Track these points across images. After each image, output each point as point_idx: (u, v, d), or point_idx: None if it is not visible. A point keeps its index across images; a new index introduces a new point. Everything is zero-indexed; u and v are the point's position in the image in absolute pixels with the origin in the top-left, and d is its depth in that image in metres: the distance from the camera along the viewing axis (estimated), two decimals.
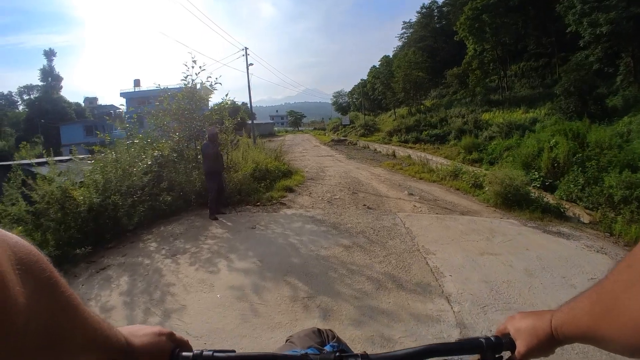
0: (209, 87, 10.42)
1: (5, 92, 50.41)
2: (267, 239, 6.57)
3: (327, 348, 1.14)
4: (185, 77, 10.03)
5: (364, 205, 9.51)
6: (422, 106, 44.54)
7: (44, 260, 0.48)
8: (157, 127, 9.93)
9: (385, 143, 31.59)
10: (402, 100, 46.01)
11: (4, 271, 0.38)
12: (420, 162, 20.99)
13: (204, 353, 0.76)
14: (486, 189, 11.82)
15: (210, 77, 10.29)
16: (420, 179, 15.78)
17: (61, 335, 0.48)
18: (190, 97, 10.03)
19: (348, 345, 1.29)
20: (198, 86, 10.38)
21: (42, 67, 48.08)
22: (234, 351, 0.77)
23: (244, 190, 10.07)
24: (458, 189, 13.10)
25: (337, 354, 0.79)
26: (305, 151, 31.50)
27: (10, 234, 0.44)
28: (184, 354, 0.76)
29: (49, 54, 49.26)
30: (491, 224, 8.10)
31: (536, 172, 13.98)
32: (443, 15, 58.99)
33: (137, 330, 0.73)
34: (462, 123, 31.19)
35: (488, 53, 41.40)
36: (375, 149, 30.29)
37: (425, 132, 32.23)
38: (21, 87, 51.44)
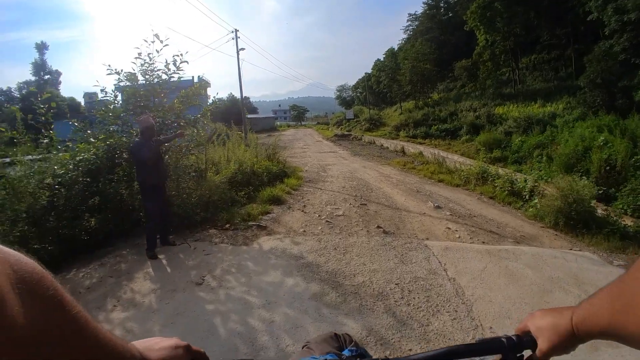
0: (173, 65, 7.46)
1: (5, 87, 47.29)
2: (209, 315, 3.66)
3: (346, 353, 1.06)
4: (139, 55, 7.05)
5: (378, 227, 6.61)
6: (429, 100, 41.48)
7: (48, 278, 0.45)
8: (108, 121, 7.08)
9: (393, 138, 28.70)
10: (409, 93, 42.89)
11: (1, 291, 0.37)
12: (434, 160, 18.04)
13: None
14: (535, 201, 8.91)
15: (178, 55, 6.63)
16: (439, 181, 12.86)
17: (73, 353, 0.46)
18: (148, 81, 7.17)
19: (366, 350, 1.17)
20: (160, 66, 7.40)
21: (33, 60, 45.19)
22: (252, 359, 1.19)
23: (215, 203, 7.23)
24: (492, 198, 10.19)
25: (357, 358, 0.81)
26: (307, 147, 28.56)
27: (11, 251, 0.42)
28: None
29: (41, 47, 45.69)
30: (568, 264, 5.21)
31: (584, 178, 11.03)
32: (450, 6, 55.81)
33: (154, 344, 0.69)
34: (474, 117, 28.35)
35: (499, 44, 38.26)
36: (382, 145, 27.34)
37: (435, 127, 29.26)
38: (20, 83, 48.49)
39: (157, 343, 0.69)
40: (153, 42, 7.02)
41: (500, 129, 24.14)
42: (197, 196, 7.04)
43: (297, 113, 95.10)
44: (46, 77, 43.71)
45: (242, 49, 19.04)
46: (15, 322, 0.37)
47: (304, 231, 6.27)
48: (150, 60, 7.12)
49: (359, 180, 12.44)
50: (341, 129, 42.90)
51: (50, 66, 45.37)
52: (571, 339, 0.68)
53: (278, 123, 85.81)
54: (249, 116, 60.37)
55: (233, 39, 18.81)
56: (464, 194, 10.65)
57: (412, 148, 22.77)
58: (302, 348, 1.23)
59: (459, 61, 44.76)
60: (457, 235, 6.44)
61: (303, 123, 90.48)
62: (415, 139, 27.52)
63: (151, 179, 5.14)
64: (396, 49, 56.96)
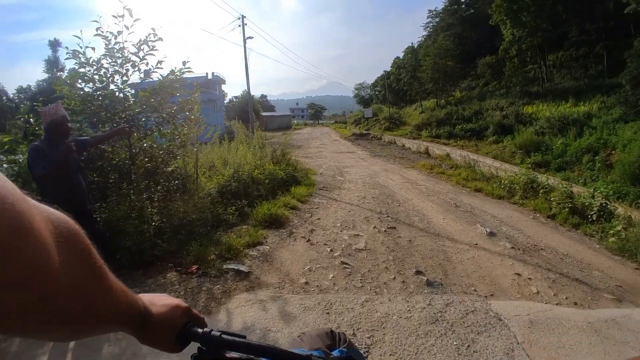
0: (146, 45, 5.39)
1: (25, 85, 46.50)
2: None
3: (335, 353, 1.04)
4: (101, 32, 4.98)
5: (418, 272, 4.41)
6: (451, 98, 38.84)
7: (80, 234, 0.50)
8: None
9: (414, 138, 26.29)
10: (430, 91, 40.29)
11: (46, 242, 0.41)
12: (464, 163, 15.64)
13: (212, 333, 0.72)
14: (616, 227, 6.57)
15: (152, 33, 5.29)
16: (477, 190, 10.51)
17: (92, 298, 0.50)
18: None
19: (360, 352, 1.21)
20: (126, 45, 5.30)
21: (46, 57, 43.93)
22: (244, 337, 0.73)
23: (190, 225, 5.15)
24: (551, 217, 7.85)
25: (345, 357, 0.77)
26: (323, 146, 26.39)
27: (52, 209, 0.46)
28: (194, 329, 0.73)
29: (54, 44, 44.82)
30: None
31: None
32: (472, 1, 52.75)
33: (158, 299, 0.72)
34: (501, 117, 25.88)
35: (526, 40, 35.34)
36: (404, 145, 24.95)
37: (459, 127, 26.74)
38: (39, 81, 47.62)
39: (161, 299, 0.72)
40: (122, 16, 4.98)
41: (531, 130, 21.63)
42: (165, 215, 4.97)
43: (315, 111, 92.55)
44: (59, 73, 42.47)
45: (250, 37, 16.96)
46: (59, 271, 0.42)
47: (306, 282, 4.08)
48: (115, 39, 5.06)
49: (382, 188, 10.24)
50: (359, 127, 40.51)
51: (64, 63, 44.04)
52: None
53: (295, 121, 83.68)
54: (264, 114, 58.46)
55: (239, 26, 16.64)
56: (514, 211, 8.31)
57: (437, 149, 20.36)
58: (297, 337, 1.21)
59: (482, 58, 42.05)
60: (535, 289, 4.19)
61: (320, 122, 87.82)
62: (439, 139, 25.17)
63: (65, 203, 3.03)
64: (416, 46, 54.31)
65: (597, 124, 18.79)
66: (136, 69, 5.36)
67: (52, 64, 44.30)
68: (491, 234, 6.19)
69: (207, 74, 41.81)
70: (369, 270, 4.45)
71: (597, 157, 12.77)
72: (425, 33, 58.73)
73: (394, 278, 4.25)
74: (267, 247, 5.05)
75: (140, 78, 5.68)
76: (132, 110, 5.35)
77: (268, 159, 10.12)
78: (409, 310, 3.49)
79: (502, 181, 10.95)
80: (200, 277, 4.04)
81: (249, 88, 13.33)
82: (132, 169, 5.33)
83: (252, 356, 0.74)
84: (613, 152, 12.82)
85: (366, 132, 34.93)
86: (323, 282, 4.12)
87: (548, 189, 9.48)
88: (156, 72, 5.61)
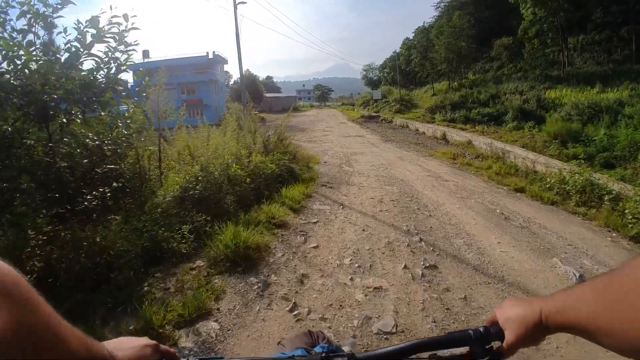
0: None
1: None
2: None
3: (317, 349, 1.03)
4: None
5: None
6: (465, 80, 35.95)
7: (22, 281, 0.44)
8: None
9: (428, 122, 23.79)
10: (443, 72, 37.28)
11: None
12: (491, 153, 13.17)
13: None
14: None
15: None
16: (518, 190, 8.09)
17: (45, 353, 0.44)
18: None
19: (340, 347, 1.13)
20: None
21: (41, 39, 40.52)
22: (222, 358, 0.73)
23: (103, 268, 2.92)
24: (635, 240, 5.50)
25: (324, 354, 0.73)
26: (329, 129, 23.92)
27: None
28: None
29: (50, 26, 41.41)
30: None
31: None
32: None
33: (123, 343, 0.68)
34: (521, 101, 23.37)
35: (547, 20, 32.15)
36: (417, 129, 22.36)
37: (475, 111, 24.42)
38: None
39: (126, 342, 0.68)
40: None
41: (556, 116, 19.20)
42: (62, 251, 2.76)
43: (321, 93, 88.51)
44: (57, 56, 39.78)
45: (243, 1, 14.18)
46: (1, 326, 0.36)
47: None
48: None
49: (401, 184, 7.99)
50: (368, 110, 37.80)
51: (59, 46, 41.04)
52: (539, 331, 0.64)
53: (301, 103, 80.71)
54: (268, 95, 55.28)
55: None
56: (583, 228, 5.92)
57: (456, 135, 17.86)
58: (277, 344, 1.21)
59: (497, 39, 38.81)
60: None
61: (327, 104, 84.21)
62: (454, 123, 22.80)
63: None
64: (426, 26, 51.07)
65: (631, 112, 16.37)
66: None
67: (47, 47, 41.32)
68: (581, 278, 3.89)
69: (207, 53, 39.06)
70: None
71: None
72: (436, 13, 54.98)
73: None
74: (213, 326, 2.73)
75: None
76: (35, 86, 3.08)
77: (258, 147, 7.77)
78: None
79: (548, 180, 8.58)
80: None
81: (240, 60, 10.93)
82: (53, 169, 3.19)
83: None
84: None
85: (375, 114, 32.29)
86: None
87: (614, 195, 7.12)
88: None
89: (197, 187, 4.88)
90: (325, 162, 11.48)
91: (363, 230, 4.98)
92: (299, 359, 0.74)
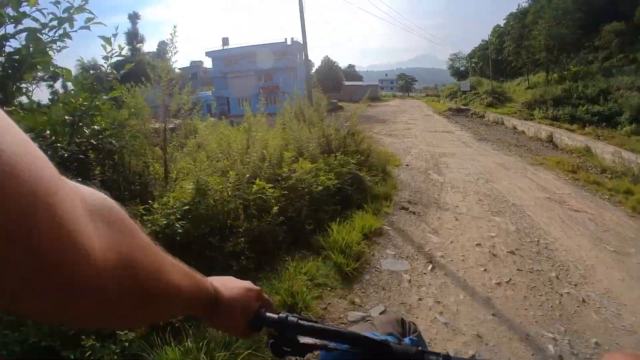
0: None
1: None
2: None
3: (406, 340, 0.94)
4: None
5: None
6: (566, 72, 30.41)
7: (121, 211, 0.42)
8: None
9: (526, 119, 19.99)
10: (541, 62, 31.93)
11: (75, 217, 0.33)
12: (624, 168, 9.56)
13: (289, 318, 0.67)
14: None
15: None
16: None
17: (145, 282, 0.42)
18: None
19: (427, 345, 1.07)
20: None
21: (126, 30, 41.09)
22: (317, 322, 0.69)
23: None
24: None
25: (419, 348, 0.68)
26: (413, 122, 21.03)
27: (82, 185, 0.39)
28: (269, 314, 0.68)
29: (133, 18, 42.29)
30: None
31: None
32: None
33: (228, 282, 0.67)
34: None
35: None
36: (515, 127, 18.57)
37: (582, 108, 20.15)
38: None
39: (232, 281, 0.68)
40: None
41: None
42: None
43: (405, 83, 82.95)
44: (138, 45, 41.41)
45: None
46: (93, 250, 0.34)
47: None
48: None
49: (515, 214, 5.49)
50: (455, 102, 33.69)
51: (142, 35, 42.76)
52: None
53: (383, 93, 77.00)
54: (347, 83, 52.25)
55: None
56: None
57: (567, 138, 14.11)
58: (365, 321, 1.15)
59: (607, 24, 32.03)
60: None
61: (410, 94, 79.04)
62: (558, 121, 18.90)
63: None
64: (516, 11, 45.34)
65: None
66: None
67: (132, 37, 42.91)
68: None
69: (285, 39, 37.72)
70: None
71: None
72: (526, 3, 48.25)
73: None
74: None
75: None
76: None
77: (313, 147, 5.48)
78: None
79: None
80: None
81: (304, 39, 8.83)
82: None
83: (327, 341, 0.68)
84: None
85: (464, 107, 28.49)
86: None
87: None
88: None
89: (181, 222, 2.77)
90: (407, 165, 9.04)
91: (476, 335, 2.49)
92: (393, 345, 0.69)
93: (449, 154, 10.84)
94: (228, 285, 0.65)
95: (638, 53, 27.48)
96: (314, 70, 53.65)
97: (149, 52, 40.15)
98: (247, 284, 0.69)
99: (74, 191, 0.35)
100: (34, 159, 0.29)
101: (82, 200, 0.36)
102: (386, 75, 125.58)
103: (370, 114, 28.04)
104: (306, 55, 9.31)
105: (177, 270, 0.49)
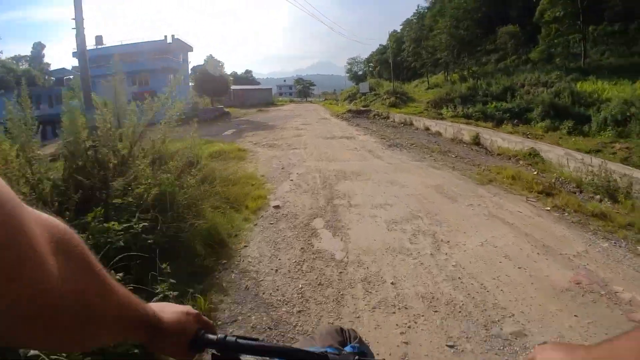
0: None
1: None
2: None
3: (347, 349, 0.99)
4: None
5: None
6: (468, 72, 30.93)
7: (77, 239, 0.45)
8: None
9: (435, 118, 18.73)
10: (441, 62, 32.13)
11: (41, 251, 0.37)
12: (601, 180, 7.40)
13: (227, 338, 0.69)
14: None
15: None
16: None
17: (94, 309, 0.45)
18: None
19: (370, 348, 1.14)
20: None
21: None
22: (257, 339, 0.70)
23: None
24: None
25: (357, 357, 0.72)
26: (305, 127, 17.96)
27: (44, 214, 0.41)
28: (209, 335, 0.69)
29: None
30: None
31: None
32: None
33: (166, 307, 0.68)
34: (551, 95, 18.81)
35: (566, 5, 26.95)
36: (428, 128, 16.51)
37: (491, 105, 19.91)
38: (8, 58, 42.37)
39: (170, 307, 0.68)
40: None
41: (604, 115, 14.47)
42: None
43: (302, 87, 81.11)
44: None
45: None
46: (54, 282, 0.37)
47: None
48: None
49: None
50: (355, 104, 31.87)
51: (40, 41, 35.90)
52: None
53: (280, 98, 73.99)
54: (234, 87, 46.75)
55: None
56: None
57: (496, 138, 12.30)
58: (306, 336, 1.18)
59: (504, 26, 33.67)
60: None
61: (309, 99, 77.37)
62: (470, 119, 18.26)
63: None
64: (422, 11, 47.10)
65: None
66: None
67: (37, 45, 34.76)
68: None
69: (165, 37, 32.78)
70: None
71: None
72: (427, 4, 50.20)
73: None
74: None
75: None
76: None
77: None
78: None
79: None
80: None
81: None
82: None
83: (268, 358, 0.70)
84: None
85: (365, 108, 26.57)
86: None
87: None
88: None
89: None
90: (276, 208, 5.64)
91: None
92: (331, 355, 0.69)
93: (352, 173, 7.63)
94: (167, 309, 0.65)
95: (532, 53, 29.45)
96: (190, 70, 46.12)
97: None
98: (186, 307, 0.69)
99: (37, 222, 0.37)
100: None
101: (45, 231, 0.38)
102: (284, 81, 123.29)
103: (259, 120, 24.22)
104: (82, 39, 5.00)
105: (122, 294, 0.51)
